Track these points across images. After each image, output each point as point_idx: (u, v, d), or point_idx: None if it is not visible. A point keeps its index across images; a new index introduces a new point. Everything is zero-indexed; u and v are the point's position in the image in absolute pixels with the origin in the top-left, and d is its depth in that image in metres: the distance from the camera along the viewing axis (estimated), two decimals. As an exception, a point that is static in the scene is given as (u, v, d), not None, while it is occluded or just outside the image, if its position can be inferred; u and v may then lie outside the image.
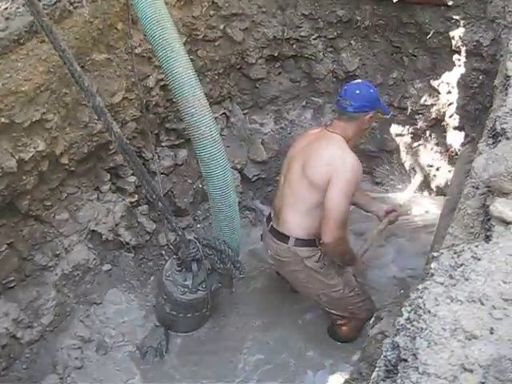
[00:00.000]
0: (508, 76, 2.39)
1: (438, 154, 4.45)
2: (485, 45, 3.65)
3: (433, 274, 1.43)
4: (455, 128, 4.18)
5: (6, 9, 2.84)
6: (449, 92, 4.12)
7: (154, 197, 3.19)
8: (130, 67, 3.55)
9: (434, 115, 4.31)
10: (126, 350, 3.78)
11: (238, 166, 4.52)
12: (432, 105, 4.28)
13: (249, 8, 4.06)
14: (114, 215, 3.92)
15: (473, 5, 3.65)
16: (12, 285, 3.44)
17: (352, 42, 4.28)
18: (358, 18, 4.09)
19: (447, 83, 4.10)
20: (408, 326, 1.31)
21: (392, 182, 4.71)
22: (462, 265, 1.44)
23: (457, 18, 3.76)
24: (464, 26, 3.75)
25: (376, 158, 4.67)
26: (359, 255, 3.68)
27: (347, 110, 3.34)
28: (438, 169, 4.49)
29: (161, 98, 3.94)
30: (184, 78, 2.99)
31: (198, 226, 4.41)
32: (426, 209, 4.47)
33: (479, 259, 1.46)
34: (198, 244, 3.52)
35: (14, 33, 2.79)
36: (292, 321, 3.94)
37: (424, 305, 1.33)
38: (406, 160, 4.60)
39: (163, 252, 4.14)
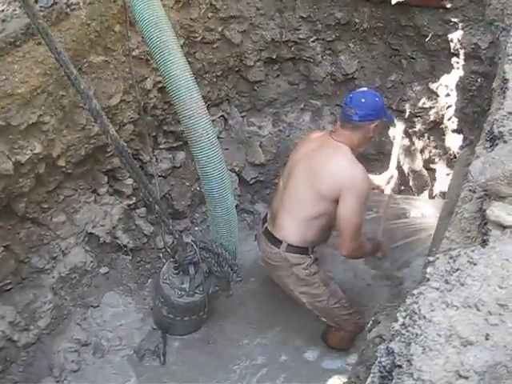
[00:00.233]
0: (506, 79, 2.38)
1: (436, 157, 4.44)
2: (483, 47, 3.63)
3: (428, 279, 1.41)
4: (454, 131, 4.17)
5: (3, 11, 2.84)
6: (447, 95, 4.11)
7: (151, 200, 3.18)
8: (127, 69, 3.55)
9: (432, 118, 4.30)
10: (123, 353, 3.78)
11: (236, 169, 4.51)
12: (430, 107, 4.27)
13: (247, 10, 4.05)
14: (111, 218, 3.91)
15: (471, 7, 3.64)
16: (8, 287, 3.43)
17: (350, 44, 4.26)
18: (357, 21, 4.08)
19: (446, 86, 4.09)
20: (403, 331, 1.29)
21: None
22: (457, 270, 1.42)
23: (455, 20, 3.74)
24: (462, 29, 3.73)
25: (374, 160, 4.65)
26: (379, 238, 3.68)
27: (352, 118, 3.29)
28: (436, 172, 4.48)
29: (158, 101, 3.93)
30: (181, 81, 2.98)
31: (196, 228, 4.41)
32: (424, 212, 4.46)
33: (475, 264, 1.44)
34: (195, 247, 3.51)
35: (11, 35, 2.79)
36: (290, 323, 3.93)
37: (419, 310, 1.32)
38: (404, 162, 4.59)
39: (161, 255, 4.13)
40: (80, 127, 3.41)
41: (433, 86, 4.17)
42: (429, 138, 4.44)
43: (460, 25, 3.73)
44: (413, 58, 4.17)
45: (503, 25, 3.11)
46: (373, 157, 4.62)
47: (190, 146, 3.22)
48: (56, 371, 3.55)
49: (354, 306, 3.68)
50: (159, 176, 4.12)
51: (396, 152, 3.93)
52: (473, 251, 1.49)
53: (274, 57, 4.32)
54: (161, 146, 4.23)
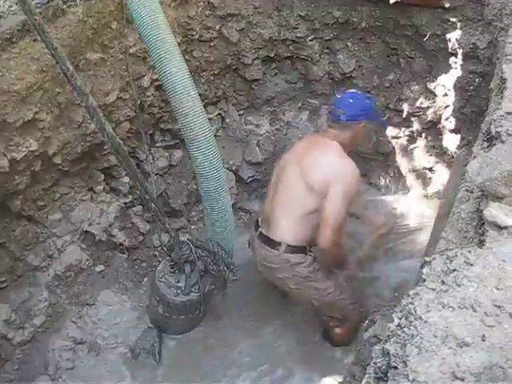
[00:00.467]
0: (504, 79, 2.38)
1: (433, 157, 4.44)
2: (481, 47, 3.63)
3: (424, 280, 1.41)
4: (451, 131, 4.17)
5: (-1, 7, 2.82)
6: (445, 95, 4.11)
7: (147, 198, 3.17)
8: (124, 67, 3.53)
9: (430, 118, 4.30)
10: (118, 351, 3.77)
11: (233, 167, 4.50)
12: (428, 107, 4.27)
13: (245, 8, 4.03)
14: (107, 216, 3.90)
15: (470, 7, 3.64)
16: (4, 285, 3.43)
17: (348, 43, 4.25)
18: (355, 20, 4.07)
19: (443, 86, 4.09)
20: (399, 332, 1.29)
21: (387, 185, 4.69)
22: (454, 270, 1.42)
23: (454, 20, 3.74)
24: (461, 29, 3.73)
25: (371, 160, 4.65)
26: (357, 260, 3.69)
27: (340, 118, 3.35)
28: (433, 172, 4.48)
29: (155, 98, 3.92)
30: (178, 79, 2.97)
31: (193, 227, 4.40)
32: (421, 212, 4.45)
33: (472, 265, 1.43)
34: (191, 245, 3.51)
35: (7, 31, 2.78)
36: (286, 321, 3.92)
37: (415, 311, 1.31)
38: (402, 162, 4.59)
39: (157, 253, 4.12)
40: (76, 125, 3.40)
41: (431, 85, 4.16)
42: (426, 138, 4.44)
43: (458, 24, 3.73)
44: (411, 58, 4.16)
45: (501, 25, 3.11)
46: (369, 156, 4.61)
47: (186, 145, 3.21)
48: (51, 369, 3.54)
49: (355, 295, 3.68)
50: (156, 174, 4.12)
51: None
52: (469, 252, 1.49)
53: (272, 55, 4.31)
54: (157, 144, 4.22)
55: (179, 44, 3.44)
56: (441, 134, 4.32)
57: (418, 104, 4.29)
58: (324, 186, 3.21)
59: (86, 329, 3.76)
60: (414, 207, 4.53)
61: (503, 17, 3.16)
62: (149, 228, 4.12)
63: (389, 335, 1.31)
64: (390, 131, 4.50)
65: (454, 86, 3.94)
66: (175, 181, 4.30)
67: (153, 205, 3.25)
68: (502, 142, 1.92)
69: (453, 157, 4.17)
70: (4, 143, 3.01)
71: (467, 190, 2.00)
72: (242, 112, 4.60)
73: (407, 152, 4.56)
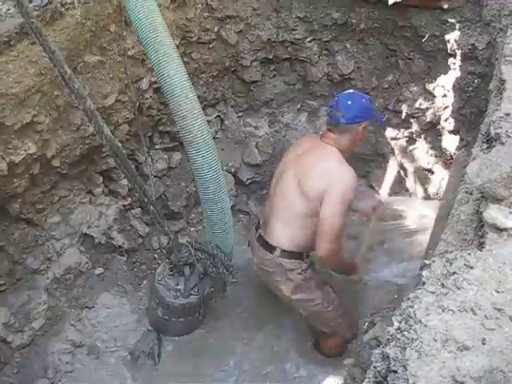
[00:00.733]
0: (503, 80, 2.37)
1: (433, 158, 4.43)
2: (480, 48, 3.63)
3: (424, 283, 1.40)
4: (450, 132, 4.16)
5: (-4, 10, 2.81)
6: (444, 95, 4.10)
7: (146, 200, 3.17)
8: (122, 69, 3.52)
9: (429, 119, 4.29)
10: (117, 354, 3.76)
11: (232, 169, 4.50)
12: (427, 108, 4.26)
13: (243, 10, 4.03)
14: (106, 218, 3.90)
15: (468, 8, 3.63)
16: (3, 289, 3.43)
17: (347, 45, 4.25)
18: (354, 21, 4.06)
19: (442, 87, 4.08)
20: (398, 336, 1.28)
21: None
22: (454, 273, 1.41)
23: (452, 21, 3.73)
24: (459, 30, 3.72)
25: (371, 161, 4.64)
26: (357, 261, 3.67)
27: (340, 121, 3.27)
28: (433, 173, 4.47)
29: (154, 101, 3.92)
30: (176, 81, 2.96)
31: (192, 229, 4.40)
32: (421, 213, 4.44)
33: (472, 267, 1.43)
34: (190, 248, 3.50)
35: (5, 34, 2.77)
36: (286, 323, 3.92)
37: (415, 314, 1.30)
38: (401, 163, 4.58)
39: (156, 255, 4.12)
40: (75, 127, 3.40)
41: (429, 86, 4.16)
42: (425, 139, 4.43)
43: (457, 25, 3.73)
44: (410, 59, 4.15)
45: (500, 25, 3.11)
46: (369, 157, 4.61)
47: (185, 147, 3.20)
48: (50, 372, 3.54)
49: (344, 307, 3.65)
50: (155, 176, 4.11)
51: (390, 179, 3.93)
52: (469, 254, 1.48)
53: (271, 57, 4.30)
54: (156, 147, 4.21)
55: (178, 46, 3.45)
56: (440, 135, 4.31)
57: (417, 105, 4.28)
58: (321, 191, 3.18)
59: (85, 332, 3.75)
60: (413, 208, 4.51)
61: (502, 18, 3.15)
62: (148, 230, 4.12)
63: (388, 339, 1.30)
64: (389, 132, 4.49)
65: (453, 86, 3.94)
66: (174, 183, 4.29)
67: (152, 207, 3.24)
68: (502, 143, 1.91)
69: (452, 158, 4.17)
70: (2, 146, 3.00)
71: (467, 192, 1.99)
72: (240, 114, 4.59)
73: (406, 153, 4.55)
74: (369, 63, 4.30)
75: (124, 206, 4.00)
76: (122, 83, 3.58)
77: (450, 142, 4.20)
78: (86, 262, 3.83)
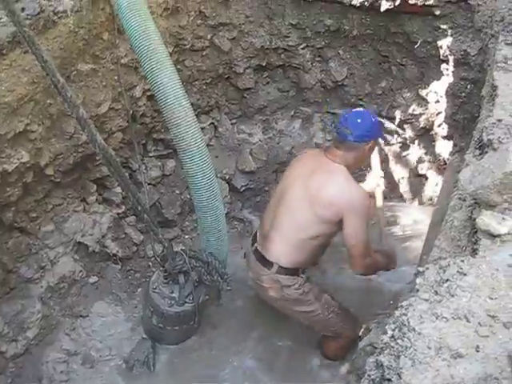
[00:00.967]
0: (495, 86, 2.37)
1: (426, 164, 4.44)
2: (472, 54, 3.64)
3: (418, 290, 1.40)
4: (444, 137, 4.17)
5: (-11, 19, 2.80)
6: (437, 101, 4.11)
7: (140, 208, 3.16)
8: (116, 77, 3.52)
9: (422, 124, 4.31)
10: (112, 363, 3.74)
11: (226, 177, 4.50)
12: (420, 114, 4.28)
13: (236, 18, 4.03)
14: (100, 226, 3.88)
15: (460, 14, 3.65)
16: (-4, 298, 3.40)
17: (340, 51, 4.26)
18: (346, 28, 4.07)
19: (435, 92, 4.09)
20: (392, 344, 1.28)
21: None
22: (447, 280, 1.41)
23: (444, 27, 3.75)
24: (452, 36, 3.74)
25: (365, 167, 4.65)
26: (385, 247, 3.68)
27: (347, 138, 3.24)
28: (427, 178, 4.48)
29: (148, 108, 3.91)
30: (169, 89, 2.96)
31: (186, 237, 4.38)
32: (415, 218, 4.45)
33: (465, 274, 1.43)
34: (184, 256, 3.49)
35: (-3, 43, 2.76)
36: (282, 331, 3.91)
37: (408, 322, 1.30)
38: (395, 169, 4.59)
39: (150, 263, 4.11)
40: (68, 136, 3.39)
41: (423, 92, 4.17)
42: (419, 145, 4.44)
43: (449, 31, 3.74)
44: (402, 65, 4.17)
45: (492, 31, 3.11)
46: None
47: (179, 154, 3.20)
48: (45, 382, 3.52)
49: (345, 310, 3.65)
50: (149, 184, 4.10)
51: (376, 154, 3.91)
52: (462, 261, 1.48)
53: (264, 64, 4.31)
54: (150, 154, 4.21)
55: (171, 54, 3.45)
56: (433, 141, 4.33)
57: (410, 111, 4.29)
58: (335, 215, 3.20)
59: (79, 341, 3.73)
60: (407, 214, 4.52)
61: (493, 23, 3.16)
62: (142, 238, 4.11)
63: (382, 347, 1.30)
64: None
65: (446, 92, 3.95)
66: (168, 190, 4.29)
67: (145, 215, 3.23)
68: (494, 149, 1.92)
69: (446, 163, 4.17)
70: (-5, 155, 3.00)
71: (460, 198, 1.99)
72: (234, 121, 4.59)
73: (400, 159, 4.56)
74: (362, 69, 4.30)
75: (118, 213, 3.99)
76: (115, 91, 3.57)
77: (444, 148, 4.21)
78: (80, 271, 3.81)
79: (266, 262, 3.41)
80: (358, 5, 3.79)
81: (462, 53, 3.69)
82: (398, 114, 4.35)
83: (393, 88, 4.31)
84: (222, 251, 3.54)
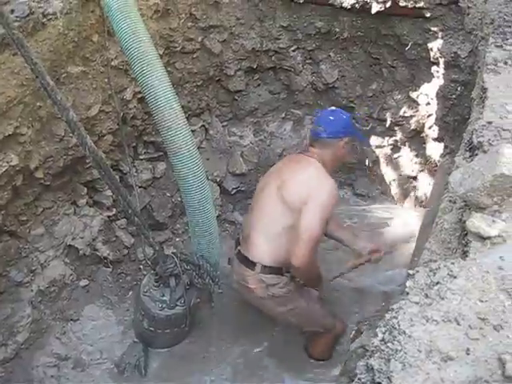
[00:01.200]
0: (484, 88, 2.38)
1: (417, 166, 4.45)
2: (462, 56, 3.66)
3: (408, 293, 1.40)
4: (435, 139, 4.19)
5: (-23, 21, 2.79)
6: (428, 103, 4.12)
7: (131, 211, 3.14)
8: (106, 80, 3.50)
9: (413, 127, 4.32)
10: (103, 366, 3.72)
11: (218, 179, 4.49)
12: (411, 116, 4.29)
13: (227, 20, 4.02)
14: (91, 229, 3.86)
15: (450, 17, 3.66)
16: (-14, 302, 3.38)
17: (331, 53, 4.26)
18: (337, 30, 4.08)
19: (426, 95, 4.11)
20: (382, 347, 1.28)
21: (372, 194, 4.70)
22: (437, 283, 1.41)
23: (435, 29, 3.76)
24: (442, 38, 3.75)
25: (356, 169, 4.65)
26: (329, 279, 3.70)
27: (321, 135, 3.36)
28: (418, 180, 4.49)
29: (138, 111, 3.90)
30: (160, 92, 2.95)
31: (177, 239, 4.37)
32: (406, 221, 4.46)
33: (455, 277, 1.43)
34: (175, 259, 3.48)
35: (-15, 46, 2.74)
36: (273, 333, 3.91)
37: (399, 325, 1.30)
38: (386, 171, 4.60)
39: (141, 267, 4.09)
40: (58, 138, 3.37)
41: (413, 94, 4.18)
42: (410, 147, 4.45)
43: (440, 34, 3.76)
44: (393, 67, 4.18)
45: (482, 34, 3.12)
46: (354, 165, 4.61)
47: (169, 157, 3.19)
48: (35, 386, 3.50)
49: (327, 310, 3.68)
50: (139, 187, 4.09)
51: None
52: (453, 264, 1.48)
53: (255, 66, 4.31)
54: (141, 157, 4.20)
55: (161, 56, 3.44)
56: (424, 143, 4.34)
57: (401, 113, 4.31)
58: (300, 201, 3.19)
59: (70, 345, 3.71)
60: (398, 216, 4.53)
61: (483, 26, 3.17)
62: (133, 241, 4.09)
63: (373, 350, 1.29)
64: (374, 140, 4.50)
65: (437, 94, 3.97)
66: (159, 193, 4.28)
67: (136, 218, 3.22)
68: (484, 151, 1.92)
69: (436, 165, 4.18)
70: (-16, 158, 2.98)
71: (450, 201, 1.99)
72: (225, 123, 4.59)
73: (391, 161, 4.57)
74: (353, 72, 4.32)
75: (109, 216, 3.97)
76: (105, 93, 3.56)
77: (435, 150, 4.22)
78: (71, 274, 3.79)
79: (249, 263, 3.39)
80: (349, 7, 3.80)
81: (453, 55, 3.71)
82: (388, 116, 4.36)
83: (383, 90, 4.32)
84: (213, 254, 3.53)
